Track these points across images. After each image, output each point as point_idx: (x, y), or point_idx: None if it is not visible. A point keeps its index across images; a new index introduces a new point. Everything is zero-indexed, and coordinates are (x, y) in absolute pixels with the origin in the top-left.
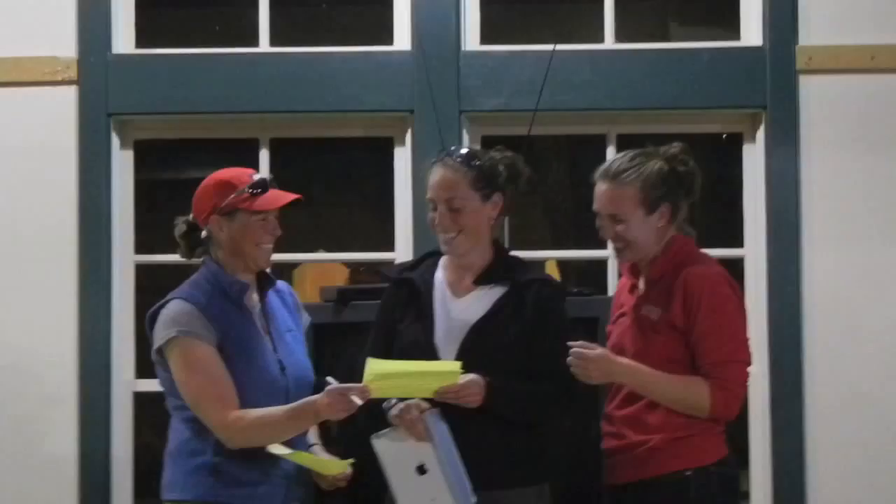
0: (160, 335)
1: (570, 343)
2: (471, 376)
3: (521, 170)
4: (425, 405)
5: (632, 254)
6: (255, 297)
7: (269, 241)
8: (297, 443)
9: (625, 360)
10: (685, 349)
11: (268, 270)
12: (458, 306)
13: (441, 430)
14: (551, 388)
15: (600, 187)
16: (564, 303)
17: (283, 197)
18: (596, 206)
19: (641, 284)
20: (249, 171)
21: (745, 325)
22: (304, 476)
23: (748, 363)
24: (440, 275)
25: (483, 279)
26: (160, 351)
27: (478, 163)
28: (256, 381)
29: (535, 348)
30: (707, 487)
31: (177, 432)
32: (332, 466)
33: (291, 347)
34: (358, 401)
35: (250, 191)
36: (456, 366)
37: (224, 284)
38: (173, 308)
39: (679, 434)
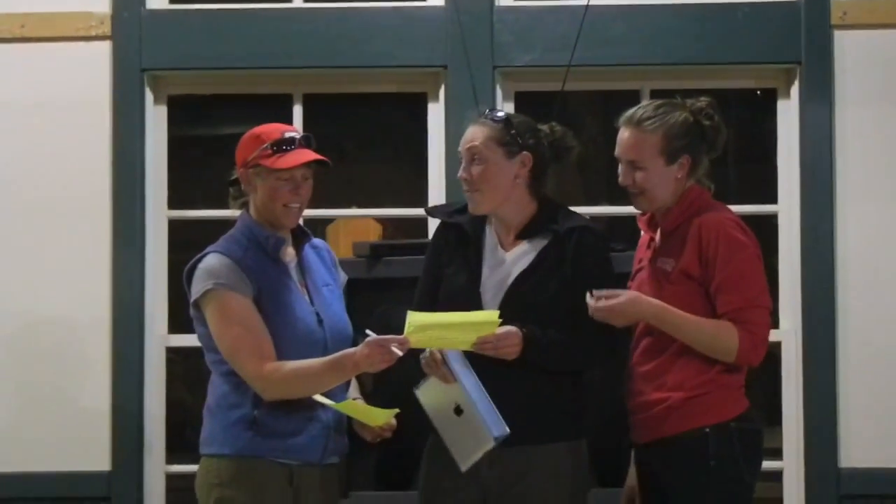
0: (197, 288)
1: (595, 292)
2: (508, 328)
3: (570, 145)
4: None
5: (647, 202)
6: (291, 251)
7: (294, 201)
8: (337, 396)
9: (655, 301)
10: (701, 298)
11: (301, 224)
12: (505, 258)
13: (462, 367)
14: (590, 338)
15: (623, 133)
16: (607, 250)
17: (304, 156)
18: (617, 151)
19: (657, 237)
20: (286, 127)
21: (762, 270)
22: (343, 427)
23: (769, 308)
24: (490, 223)
25: (524, 233)
26: (197, 305)
27: (504, 118)
28: (293, 333)
29: (576, 297)
30: (727, 443)
31: (216, 387)
32: (378, 416)
33: (328, 301)
34: (398, 352)
35: (272, 147)
36: (494, 316)
37: (260, 238)
38: (210, 261)
39: (697, 392)
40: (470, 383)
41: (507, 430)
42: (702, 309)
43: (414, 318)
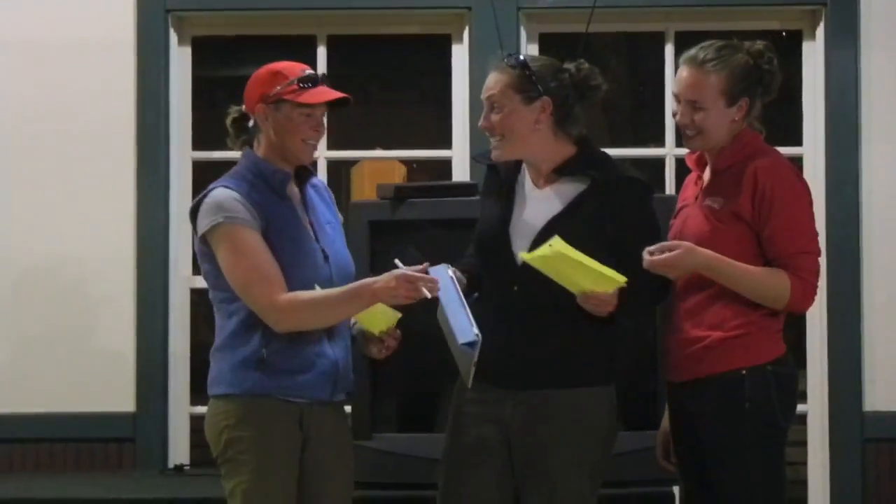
0: (204, 222)
1: (650, 248)
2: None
3: (595, 83)
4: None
5: (702, 142)
6: (294, 189)
7: (313, 137)
8: (341, 329)
9: (708, 252)
10: (748, 240)
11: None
12: (538, 198)
13: (441, 275)
14: (647, 287)
15: (683, 72)
16: (652, 202)
17: (330, 93)
18: (676, 89)
19: (706, 176)
20: (303, 66)
21: (813, 217)
22: (355, 364)
23: (819, 254)
24: (524, 165)
25: (558, 173)
26: (205, 240)
27: (523, 62)
28: (302, 267)
29: (627, 251)
30: (763, 386)
31: (222, 329)
32: (379, 320)
33: (332, 238)
34: (426, 293)
35: (298, 83)
36: (620, 279)
37: (266, 173)
38: (217, 195)
39: (736, 332)
40: (446, 297)
41: (475, 336)
42: (748, 250)
43: (557, 245)
